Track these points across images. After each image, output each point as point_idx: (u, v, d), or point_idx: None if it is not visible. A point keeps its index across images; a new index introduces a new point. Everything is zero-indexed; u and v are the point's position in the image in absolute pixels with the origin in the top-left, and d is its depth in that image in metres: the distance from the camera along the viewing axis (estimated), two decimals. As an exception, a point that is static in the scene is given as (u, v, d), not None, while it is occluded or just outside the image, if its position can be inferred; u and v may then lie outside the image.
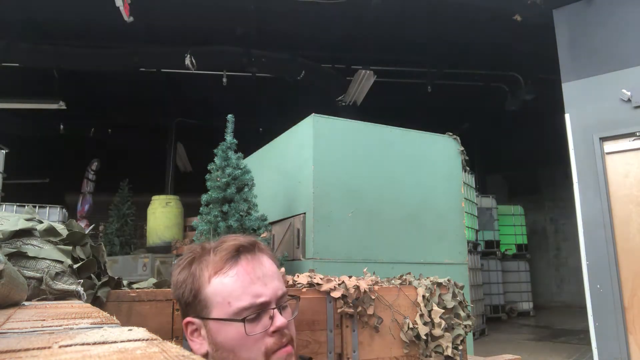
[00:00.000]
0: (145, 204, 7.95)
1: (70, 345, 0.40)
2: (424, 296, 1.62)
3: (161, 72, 7.74)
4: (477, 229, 8.48)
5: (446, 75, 8.17)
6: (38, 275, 1.08)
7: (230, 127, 3.02)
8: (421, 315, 1.59)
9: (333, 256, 2.84)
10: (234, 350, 0.95)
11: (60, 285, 1.09)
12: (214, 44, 6.90)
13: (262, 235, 2.87)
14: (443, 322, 1.59)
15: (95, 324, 0.57)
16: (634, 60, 4.36)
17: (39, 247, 1.15)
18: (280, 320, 0.97)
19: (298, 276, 1.56)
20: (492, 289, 9.32)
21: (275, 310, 0.98)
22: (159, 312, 1.26)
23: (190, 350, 1.02)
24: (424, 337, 1.56)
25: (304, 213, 2.91)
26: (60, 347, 0.40)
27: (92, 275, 1.21)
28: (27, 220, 1.22)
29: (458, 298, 1.68)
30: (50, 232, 1.21)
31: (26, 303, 0.92)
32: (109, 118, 10.00)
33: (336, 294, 1.48)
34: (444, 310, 1.62)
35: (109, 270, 1.36)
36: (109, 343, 0.41)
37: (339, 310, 1.48)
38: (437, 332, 1.58)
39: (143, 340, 0.43)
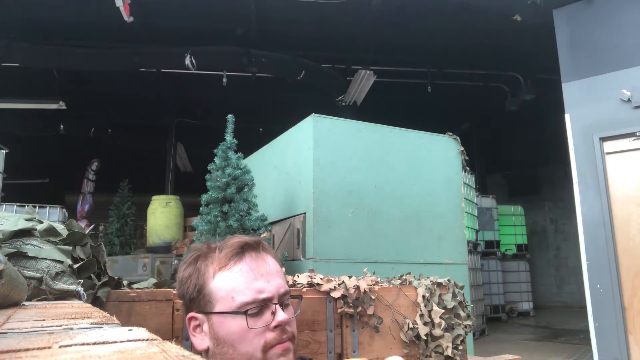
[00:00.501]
0: (145, 204, 7.96)
1: (70, 345, 0.40)
2: (424, 296, 1.62)
3: (161, 72, 7.73)
4: (477, 229, 8.47)
5: (446, 75, 8.17)
6: (38, 275, 1.08)
7: (230, 127, 3.01)
8: (421, 316, 1.59)
9: (333, 256, 2.83)
10: (234, 344, 0.96)
11: (60, 285, 1.09)
12: (214, 44, 6.90)
13: (262, 236, 2.87)
14: (443, 322, 1.59)
15: (95, 324, 0.57)
16: (634, 60, 4.36)
17: (39, 247, 1.15)
18: (281, 315, 0.99)
19: (298, 276, 1.56)
20: (492, 289, 9.32)
21: (277, 306, 1.00)
22: (159, 312, 1.26)
23: (191, 349, 1.03)
24: (424, 337, 1.56)
25: (304, 213, 2.90)
26: (60, 347, 0.40)
27: (92, 275, 1.21)
28: (27, 220, 1.22)
29: (458, 298, 1.68)
30: (50, 232, 1.21)
31: (26, 303, 0.92)
32: (109, 118, 10.01)
33: (336, 294, 1.48)
34: (444, 311, 1.62)
35: (109, 270, 1.36)
36: (109, 343, 0.41)
37: (339, 310, 1.48)
38: (437, 332, 1.58)
39: (143, 340, 0.43)
